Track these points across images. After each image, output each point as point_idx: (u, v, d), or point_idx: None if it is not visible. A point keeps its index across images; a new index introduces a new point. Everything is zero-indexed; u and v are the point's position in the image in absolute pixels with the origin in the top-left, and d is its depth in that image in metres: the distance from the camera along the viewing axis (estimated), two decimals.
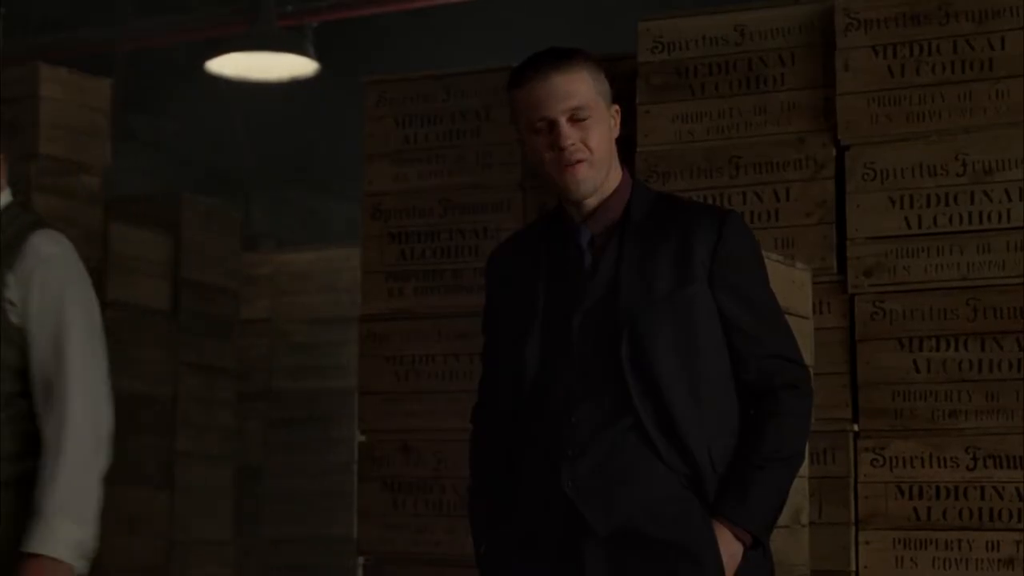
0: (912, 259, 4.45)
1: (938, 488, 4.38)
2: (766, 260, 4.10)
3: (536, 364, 3.15)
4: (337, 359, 9.04)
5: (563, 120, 3.08)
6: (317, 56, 8.55)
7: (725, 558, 3.04)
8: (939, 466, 4.37)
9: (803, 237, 4.56)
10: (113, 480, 7.07)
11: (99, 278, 7.06)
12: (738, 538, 3.07)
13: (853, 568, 4.41)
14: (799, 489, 4.19)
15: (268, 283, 9.23)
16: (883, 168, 4.50)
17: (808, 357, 4.32)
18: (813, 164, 4.57)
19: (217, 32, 8.90)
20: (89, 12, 9.50)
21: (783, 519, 4.05)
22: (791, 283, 4.23)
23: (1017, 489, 4.28)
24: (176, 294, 7.56)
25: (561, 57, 3.13)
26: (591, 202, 3.16)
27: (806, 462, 4.25)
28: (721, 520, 3.07)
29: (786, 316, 4.16)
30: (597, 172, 3.13)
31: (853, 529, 4.43)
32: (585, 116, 3.10)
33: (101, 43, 9.16)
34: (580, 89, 3.11)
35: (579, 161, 3.09)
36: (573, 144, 3.08)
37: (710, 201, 4.63)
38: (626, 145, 4.82)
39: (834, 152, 4.57)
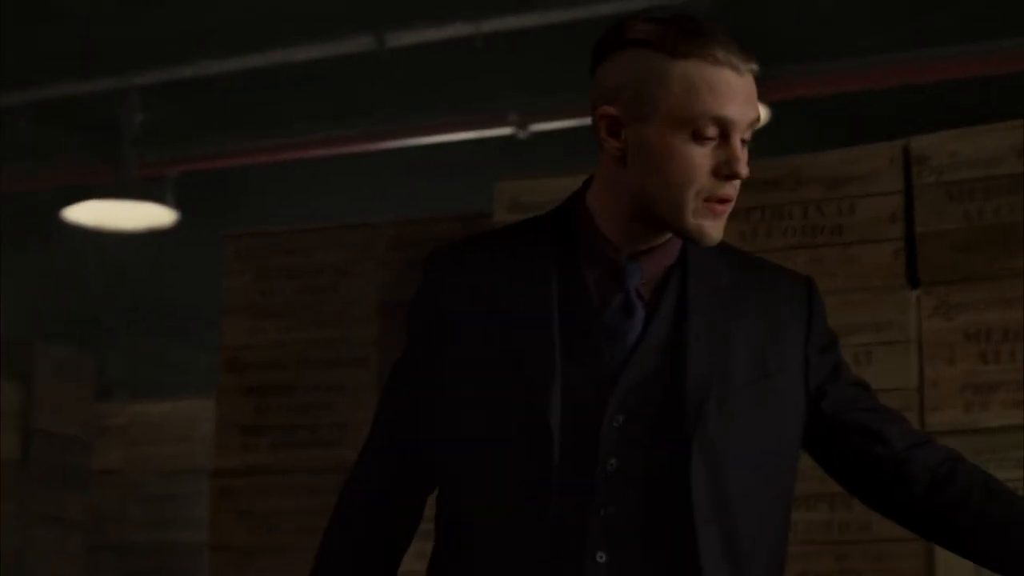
0: None
1: None
2: None
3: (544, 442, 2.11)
4: (192, 512, 8.90)
5: (738, 138, 2.14)
6: (177, 205, 8.53)
7: None
8: None
9: None
10: None
11: None
12: None
13: None
14: None
15: (122, 433, 9.11)
16: None
17: None
18: None
19: (78, 179, 8.85)
20: None
21: None
22: None
23: None
24: (27, 444, 7.45)
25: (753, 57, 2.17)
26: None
27: None
28: None
29: None
30: None
31: None
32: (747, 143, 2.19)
33: None
34: None
35: (730, 200, 2.16)
36: (744, 174, 2.14)
37: None
38: None
39: None
